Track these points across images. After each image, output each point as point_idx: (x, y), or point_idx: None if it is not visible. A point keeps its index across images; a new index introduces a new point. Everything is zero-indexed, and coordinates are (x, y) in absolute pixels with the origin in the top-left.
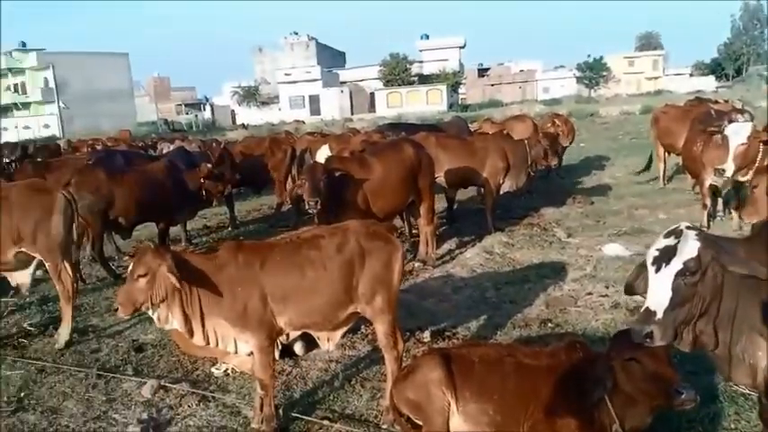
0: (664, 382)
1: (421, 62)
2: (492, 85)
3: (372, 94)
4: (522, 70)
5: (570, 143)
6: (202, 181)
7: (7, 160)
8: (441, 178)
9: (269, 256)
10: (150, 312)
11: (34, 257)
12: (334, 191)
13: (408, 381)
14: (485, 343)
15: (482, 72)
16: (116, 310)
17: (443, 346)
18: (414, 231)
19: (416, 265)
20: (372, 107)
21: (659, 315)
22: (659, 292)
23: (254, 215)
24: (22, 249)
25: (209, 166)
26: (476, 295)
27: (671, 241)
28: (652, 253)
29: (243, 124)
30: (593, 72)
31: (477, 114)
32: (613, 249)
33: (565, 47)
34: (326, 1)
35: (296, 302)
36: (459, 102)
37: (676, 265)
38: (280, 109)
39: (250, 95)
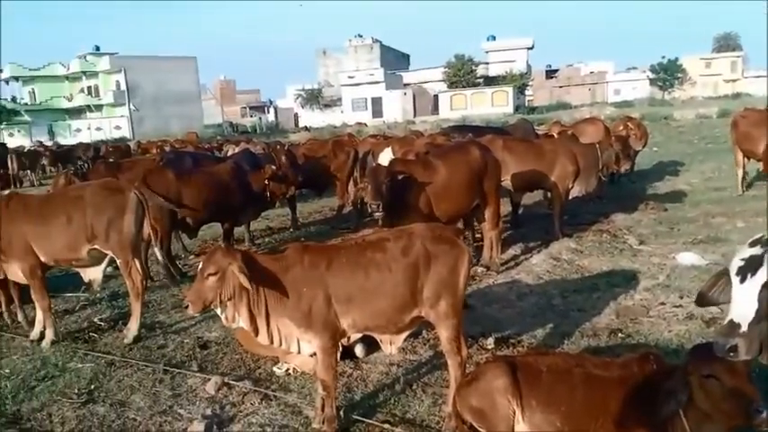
0: (743, 399)
1: (487, 64)
2: (560, 86)
3: (436, 97)
4: (592, 72)
5: (643, 147)
6: (267, 182)
7: (81, 161)
8: (507, 182)
9: (334, 257)
10: (218, 310)
11: (106, 254)
12: (397, 193)
13: (473, 387)
14: (552, 352)
15: (550, 73)
16: (186, 307)
17: (508, 353)
18: (477, 236)
19: (480, 270)
20: (435, 109)
21: (744, 328)
22: (744, 303)
23: (316, 217)
24: (96, 246)
25: (274, 168)
26: (542, 302)
27: (757, 251)
28: (736, 263)
29: (305, 127)
30: (668, 74)
31: (545, 117)
32: (688, 258)
33: (638, 48)
34: (392, 1)
35: (360, 304)
36: (526, 104)
37: (762, 275)
38: (342, 111)
39: (313, 98)
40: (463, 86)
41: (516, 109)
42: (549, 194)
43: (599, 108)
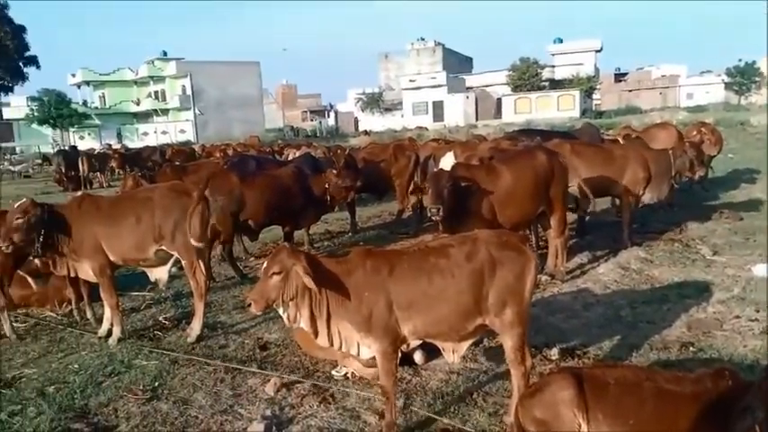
0: None
1: (553, 67)
2: (630, 90)
3: (499, 100)
4: (663, 75)
5: (717, 153)
6: (327, 186)
7: (149, 163)
8: (574, 188)
9: (397, 263)
10: (280, 310)
11: (172, 255)
12: (459, 198)
13: (537, 399)
14: (620, 364)
15: (619, 77)
16: (248, 305)
17: (573, 365)
18: (542, 243)
19: (544, 278)
20: (498, 113)
21: None
22: None
23: (375, 221)
24: (162, 247)
25: (334, 172)
26: (609, 313)
27: None
28: None
29: (365, 130)
30: (745, 78)
31: (613, 121)
32: (765, 270)
33: (712, 50)
34: (457, 1)
35: (422, 311)
36: (593, 108)
37: None
38: (402, 115)
39: (374, 102)
40: (528, 90)
41: (583, 113)
42: (618, 201)
43: (671, 113)
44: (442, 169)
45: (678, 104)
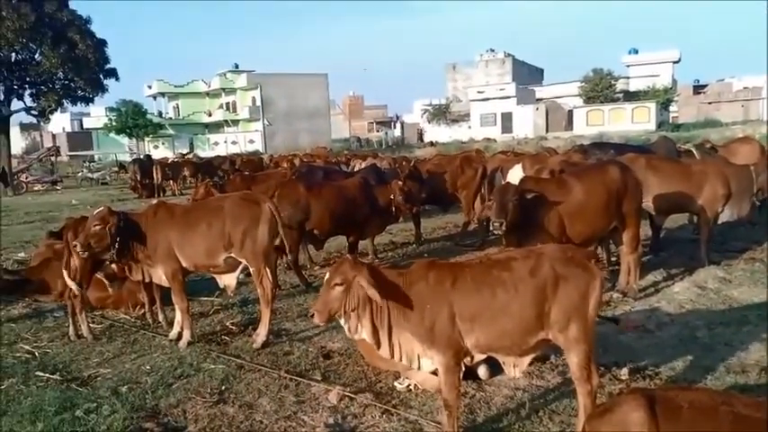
0: None
1: (627, 78)
2: (709, 103)
3: (570, 112)
4: (745, 87)
5: None
6: (392, 197)
7: (220, 173)
8: (648, 203)
9: (460, 275)
10: (341, 321)
11: (241, 262)
12: (527, 212)
13: (605, 419)
14: (695, 387)
15: (698, 89)
16: (312, 316)
17: (644, 386)
18: (614, 259)
19: (615, 295)
20: (569, 125)
21: None
22: None
23: (440, 233)
24: (232, 255)
25: (400, 183)
26: (684, 333)
27: None
28: None
29: (431, 142)
30: None
31: (691, 135)
32: None
33: None
34: (530, 1)
35: (484, 324)
36: (670, 120)
37: None
38: (470, 127)
39: (440, 113)
40: (601, 102)
41: (659, 126)
42: (695, 218)
43: (753, 126)
44: (508, 183)
45: (762, 118)
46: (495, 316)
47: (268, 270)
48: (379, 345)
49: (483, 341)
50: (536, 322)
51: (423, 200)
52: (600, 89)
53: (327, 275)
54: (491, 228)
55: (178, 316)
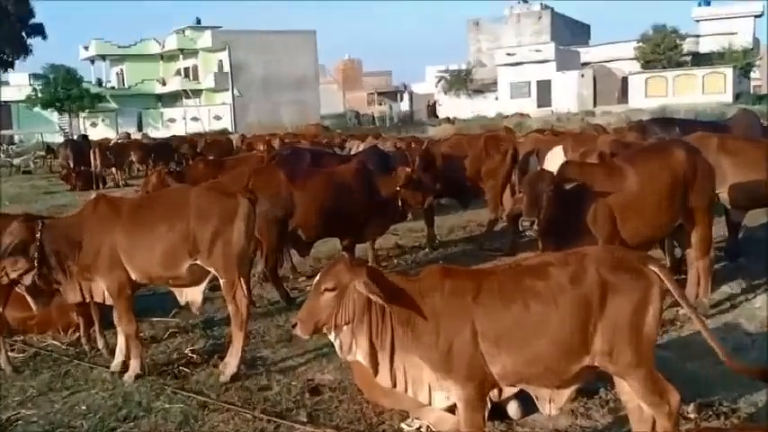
0: None
1: (697, 37)
2: None
3: (625, 80)
4: None
5: None
6: (398, 189)
7: (177, 157)
8: (723, 195)
9: (483, 285)
10: (331, 336)
11: (209, 272)
12: (567, 207)
13: None
14: None
15: None
16: (294, 326)
17: (716, 425)
18: (678, 266)
19: (680, 311)
20: (624, 96)
21: None
22: None
23: (459, 234)
24: (197, 262)
25: (408, 170)
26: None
27: None
28: None
29: (448, 118)
30: None
31: None
32: None
33: None
34: None
35: (514, 346)
36: (751, 90)
37: None
38: (497, 98)
39: (460, 82)
40: (663, 67)
41: (737, 97)
42: None
43: None
44: (543, 170)
45: None
46: (527, 337)
47: (243, 282)
48: (376, 369)
49: (512, 368)
50: (579, 344)
51: (437, 192)
52: (662, 51)
53: (317, 278)
54: (522, 227)
55: (121, 341)
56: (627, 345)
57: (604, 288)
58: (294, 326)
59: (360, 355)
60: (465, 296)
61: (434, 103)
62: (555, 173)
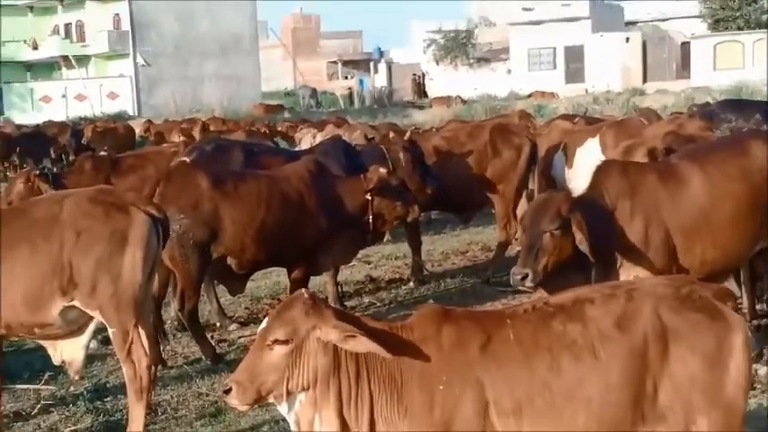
0: None
1: None
2: None
3: (686, 46)
4: None
5: None
6: (370, 198)
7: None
8: None
9: (496, 332)
10: (282, 408)
11: (92, 318)
12: (605, 224)
13: None
14: None
15: None
16: (226, 391)
17: None
18: (759, 307)
19: (762, 370)
20: (684, 69)
21: None
22: None
23: (456, 261)
24: (75, 303)
25: (383, 171)
26: None
27: None
28: None
29: (440, 98)
30: None
31: None
32: None
33: None
34: None
35: (539, 417)
36: None
37: None
38: (509, 71)
39: (458, 47)
40: (739, 28)
41: None
42: None
43: None
44: (551, 194)
45: None
46: (558, 403)
47: (142, 332)
48: None
49: None
50: (631, 411)
51: (426, 202)
52: (737, 6)
53: (264, 324)
54: (513, 282)
55: None
56: (702, 413)
57: (663, 335)
58: (227, 391)
59: None
60: (469, 349)
61: (422, 76)
62: (567, 197)
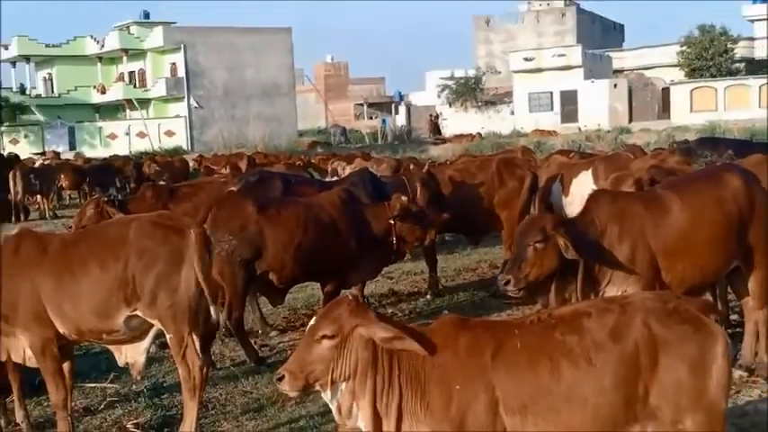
0: None
1: (750, 39)
2: None
3: (666, 91)
4: None
5: None
6: (393, 222)
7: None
8: None
9: (505, 341)
10: (326, 395)
11: (152, 325)
12: (593, 246)
13: None
14: None
15: None
16: (279, 379)
17: None
18: (734, 317)
19: (738, 374)
20: (665, 111)
21: None
22: None
23: (468, 277)
24: (137, 313)
25: (405, 199)
26: None
27: None
28: None
29: (452, 136)
30: None
31: None
32: None
33: None
34: None
35: (542, 416)
36: None
37: None
38: (512, 113)
39: (467, 92)
40: (712, 75)
41: None
42: None
43: None
44: (539, 215)
45: None
46: (558, 404)
47: (195, 338)
48: None
49: None
50: (623, 412)
51: (441, 226)
52: (710, 56)
53: (312, 322)
54: (502, 289)
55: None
56: (688, 413)
57: (653, 345)
58: (280, 379)
59: (362, 421)
60: (482, 355)
61: (437, 117)
62: (551, 218)
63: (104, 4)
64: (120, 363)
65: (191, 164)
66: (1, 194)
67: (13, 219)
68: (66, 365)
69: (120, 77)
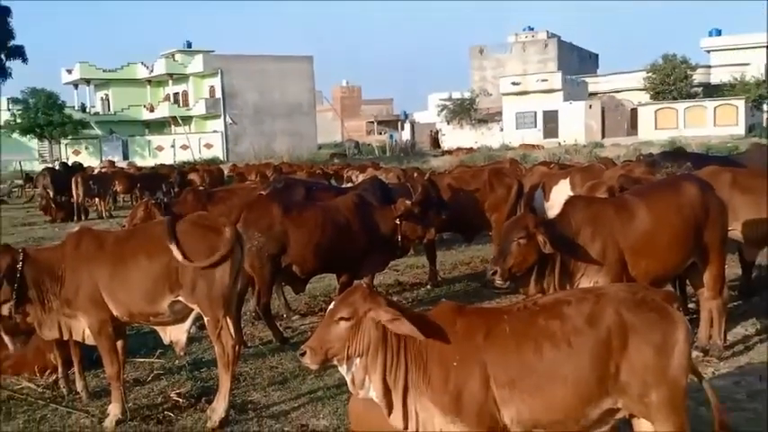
0: None
1: (708, 67)
2: None
3: (634, 111)
4: None
5: None
6: (398, 222)
7: (164, 188)
8: (736, 232)
9: (495, 325)
10: (342, 369)
11: (192, 309)
12: (572, 245)
13: None
14: None
15: None
16: (302, 354)
17: None
18: (691, 306)
19: (694, 355)
20: (633, 128)
21: None
22: None
23: (463, 270)
24: (179, 298)
25: (408, 203)
26: None
27: None
28: None
29: (450, 149)
30: None
31: None
32: None
33: None
34: None
35: (527, 391)
36: (765, 123)
37: None
38: (502, 129)
39: (463, 111)
40: (674, 98)
41: (750, 130)
42: None
43: None
44: (524, 214)
45: None
46: (541, 380)
47: (229, 321)
48: (390, 408)
49: (526, 414)
50: (598, 387)
51: (439, 226)
52: (672, 81)
53: (332, 305)
54: (489, 279)
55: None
56: (653, 388)
57: (623, 329)
58: (303, 354)
59: (374, 392)
60: (476, 336)
61: (437, 132)
62: (532, 218)
63: (153, 34)
64: (165, 341)
65: (226, 172)
66: (65, 198)
67: (75, 218)
68: (119, 343)
69: (167, 98)
